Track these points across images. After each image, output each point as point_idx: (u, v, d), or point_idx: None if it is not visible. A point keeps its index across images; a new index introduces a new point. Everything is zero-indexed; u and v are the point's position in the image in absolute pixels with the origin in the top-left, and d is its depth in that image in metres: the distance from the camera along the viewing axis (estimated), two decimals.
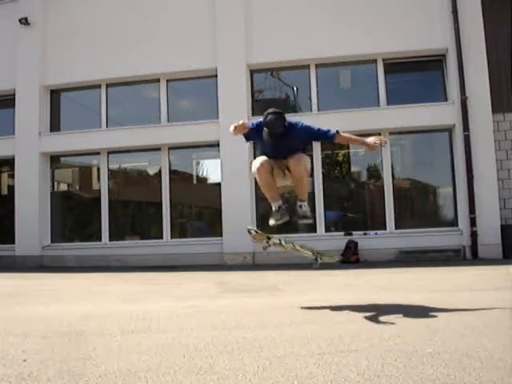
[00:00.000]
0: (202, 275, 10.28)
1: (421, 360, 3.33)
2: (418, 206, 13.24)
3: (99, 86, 14.39)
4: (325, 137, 5.79)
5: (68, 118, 14.94)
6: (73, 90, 14.89)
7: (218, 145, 13.10)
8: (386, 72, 12.87)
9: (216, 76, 13.32)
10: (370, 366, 3.20)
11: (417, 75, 13.23)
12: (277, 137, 5.45)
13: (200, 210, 14.77)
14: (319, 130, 5.75)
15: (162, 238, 13.57)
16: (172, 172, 13.99)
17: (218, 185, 13.21)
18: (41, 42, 14.51)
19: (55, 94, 14.86)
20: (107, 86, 14.35)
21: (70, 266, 13.41)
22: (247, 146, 12.90)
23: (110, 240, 13.87)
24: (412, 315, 4.96)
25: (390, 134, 12.72)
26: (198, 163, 14.74)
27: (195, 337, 4.17)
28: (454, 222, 12.40)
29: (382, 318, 4.84)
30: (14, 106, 14.55)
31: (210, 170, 14.26)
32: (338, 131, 5.74)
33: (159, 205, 13.69)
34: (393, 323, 4.58)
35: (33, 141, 14.22)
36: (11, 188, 14.96)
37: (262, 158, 5.73)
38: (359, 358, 3.40)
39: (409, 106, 12.42)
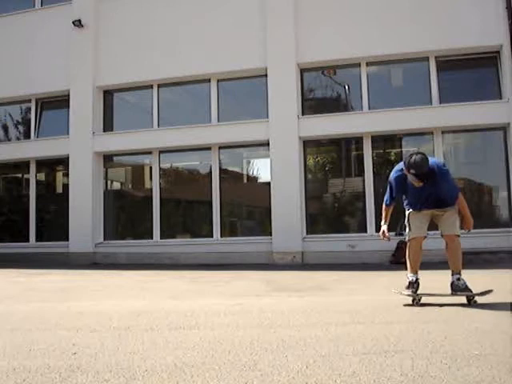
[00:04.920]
0: (251, 274, 10.32)
1: (467, 362, 3.29)
2: (471, 206, 12.69)
3: (151, 87, 14.59)
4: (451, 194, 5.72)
5: (120, 117, 15.21)
6: (125, 91, 15.15)
7: (267, 144, 13.12)
8: (438, 70, 12.62)
9: (266, 75, 13.34)
10: (415, 367, 3.18)
11: (470, 73, 12.93)
12: (424, 177, 5.37)
13: (250, 208, 14.82)
14: (452, 184, 5.72)
15: (212, 237, 13.66)
16: (222, 171, 14.08)
17: (268, 184, 13.22)
18: (93, 43, 14.80)
19: (108, 95, 15.15)
20: (159, 86, 14.53)
21: (121, 263, 13.65)
22: (297, 146, 12.93)
23: (161, 238, 14.05)
24: (462, 317, 4.89)
25: (443, 132, 12.49)
26: (247, 162, 14.79)
27: (241, 334, 4.22)
28: (508, 223, 12.08)
29: (430, 319, 4.80)
30: (68, 106, 14.90)
31: (260, 169, 14.29)
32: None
33: (209, 204, 13.79)
34: (441, 324, 4.53)
35: (86, 140, 14.53)
36: (66, 186, 15.33)
37: (418, 229, 5.79)
38: (404, 358, 3.39)
39: (462, 105, 12.13)
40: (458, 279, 5.60)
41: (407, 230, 5.91)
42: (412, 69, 13.27)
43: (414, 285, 5.73)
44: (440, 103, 12.46)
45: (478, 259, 11.13)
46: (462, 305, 5.51)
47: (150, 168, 14.77)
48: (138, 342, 3.97)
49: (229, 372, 3.12)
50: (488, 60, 12.48)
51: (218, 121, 13.84)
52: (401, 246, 11.88)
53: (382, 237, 6.08)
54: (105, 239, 14.42)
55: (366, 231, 12.66)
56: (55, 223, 15.51)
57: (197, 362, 3.34)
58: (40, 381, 3.01)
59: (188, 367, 3.22)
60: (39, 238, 15.29)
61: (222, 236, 13.66)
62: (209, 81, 14.04)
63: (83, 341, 4.04)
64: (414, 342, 3.83)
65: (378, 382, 2.92)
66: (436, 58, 12.58)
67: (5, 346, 3.88)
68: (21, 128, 16.46)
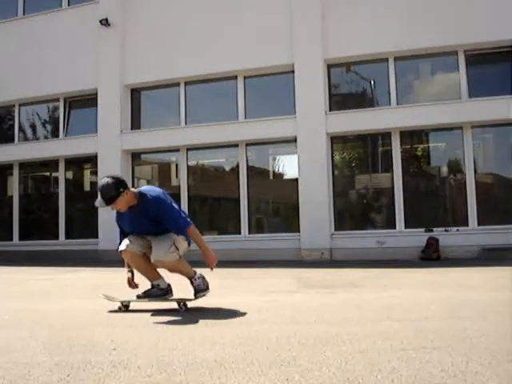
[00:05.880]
0: (280, 270, 10.34)
1: (506, 358, 3.27)
2: (502, 201, 12.79)
3: (178, 84, 14.65)
4: (176, 228, 5.41)
5: (148, 115, 15.30)
6: (152, 89, 15.24)
7: (294, 140, 13.12)
8: (467, 64, 12.48)
9: (293, 72, 13.31)
10: (454, 363, 3.17)
11: (500, 66, 12.72)
12: (107, 202, 5.12)
13: (277, 205, 14.82)
14: (174, 217, 5.41)
15: (239, 234, 13.69)
16: (249, 168, 14.09)
17: (295, 180, 13.23)
18: (120, 41, 14.88)
19: (135, 93, 15.26)
20: (186, 83, 14.59)
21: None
22: (324, 142, 12.91)
23: None
24: (496, 314, 4.85)
25: (472, 127, 12.37)
26: (275, 159, 14.80)
27: (277, 330, 4.23)
28: None
29: (465, 316, 4.77)
30: (96, 105, 15.03)
31: (287, 165, 14.28)
32: (190, 223, 5.54)
33: (237, 200, 13.83)
34: (477, 321, 4.50)
35: (114, 138, 14.65)
36: (94, 184, 15.49)
37: (125, 241, 5.46)
38: (443, 354, 3.37)
39: (491, 99, 11.97)
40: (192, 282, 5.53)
41: None
42: (440, 63, 13.16)
43: None
44: (469, 97, 12.34)
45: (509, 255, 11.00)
46: (497, 303, 5.46)
47: (177, 165, 14.86)
48: (176, 337, 4.01)
49: (269, 367, 3.13)
50: None
51: (245, 118, 13.86)
52: (431, 243, 11.83)
53: None
54: None
55: (394, 227, 12.60)
56: (84, 221, 15.67)
57: (236, 358, 3.35)
58: (83, 376, 3.05)
59: (228, 363, 3.24)
60: (69, 235, 15.47)
61: (249, 233, 13.70)
62: (236, 78, 14.07)
63: (121, 337, 4.09)
64: (451, 339, 3.82)
65: (419, 377, 2.91)
66: (465, 51, 12.45)
67: (45, 343, 3.94)
68: (49, 127, 16.67)
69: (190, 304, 5.42)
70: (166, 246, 5.26)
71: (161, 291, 5.53)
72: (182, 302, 5.45)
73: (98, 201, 5.16)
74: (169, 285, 5.60)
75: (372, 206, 13.57)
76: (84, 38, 15.23)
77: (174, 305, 5.44)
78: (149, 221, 5.33)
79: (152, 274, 5.58)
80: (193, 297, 5.46)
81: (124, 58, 14.82)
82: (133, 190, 5.35)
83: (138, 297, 5.49)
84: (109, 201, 5.11)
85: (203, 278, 5.54)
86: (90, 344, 3.85)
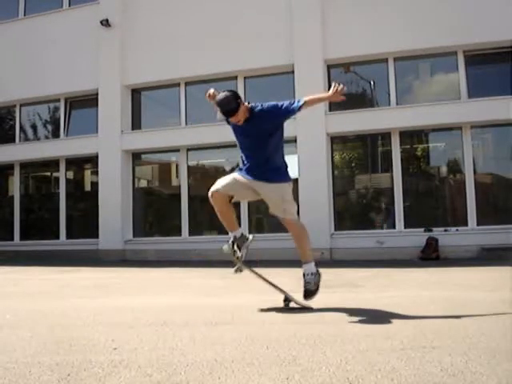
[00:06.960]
0: (280, 270, 10.28)
1: (506, 357, 3.28)
2: (501, 201, 12.83)
3: (178, 85, 14.68)
4: (292, 111, 5.44)
5: (148, 115, 15.33)
6: (153, 89, 15.26)
7: (295, 141, 13.12)
8: (466, 64, 12.50)
9: (293, 72, 13.33)
10: (454, 362, 3.18)
11: (499, 66, 12.75)
12: (228, 114, 5.21)
13: None
14: (284, 103, 5.49)
15: None
16: None
17: (295, 180, 13.20)
18: (121, 42, 14.90)
19: (136, 93, 15.27)
20: (186, 84, 14.61)
21: (151, 260, 13.76)
22: (324, 142, 12.91)
23: (189, 235, 14.13)
24: (496, 313, 4.86)
25: (472, 127, 12.39)
26: None
27: (277, 330, 4.25)
28: None
29: (464, 316, 4.77)
30: (97, 105, 15.06)
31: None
32: (304, 102, 5.37)
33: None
34: (476, 321, 4.51)
35: (115, 139, 14.67)
36: (94, 184, 15.53)
37: (221, 182, 5.52)
38: (442, 354, 3.38)
39: (491, 99, 11.99)
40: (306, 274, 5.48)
41: None
42: (440, 63, 13.19)
43: None
44: (469, 98, 12.35)
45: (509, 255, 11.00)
46: (497, 303, 5.47)
47: (177, 165, 14.88)
48: (176, 337, 4.02)
49: (269, 367, 3.14)
50: None
51: None
52: (430, 242, 11.85)
53: None
54: (134, 236, 14.55)
55: (394, 227, 12.62)
56: (85, 221, 15.71)
57: (236, 358, 3.37)
58: (84, 375, 3.07)
59: (228, 362, 3.26)
60: (69, 235, 15.49)
61: (249, 233, 13.66)
62: (236, 78, 14.07)
63: (122, 337, 4.10)
64: (450, 338, 3.82)
65: (419, 376, 2.92)
66: (464, 52, 12.46)
67: (45, 342, 3.95)
68: (50, 127, 16.69)
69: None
70: (280, 202, 5.48)
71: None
72: (287, 301, 5.41)
73: (219, 115, 5.24)
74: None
75: (372, 205, 13.59)
76: (84, 39, 15.26)
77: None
78: (262, 134, 5.40)
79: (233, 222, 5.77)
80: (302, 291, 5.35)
81: (124, 58, 14.83)
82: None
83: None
84: (230, 112, 5.19)
85: (319, 274, 5.43)
86: (91, 343, 3.86)
